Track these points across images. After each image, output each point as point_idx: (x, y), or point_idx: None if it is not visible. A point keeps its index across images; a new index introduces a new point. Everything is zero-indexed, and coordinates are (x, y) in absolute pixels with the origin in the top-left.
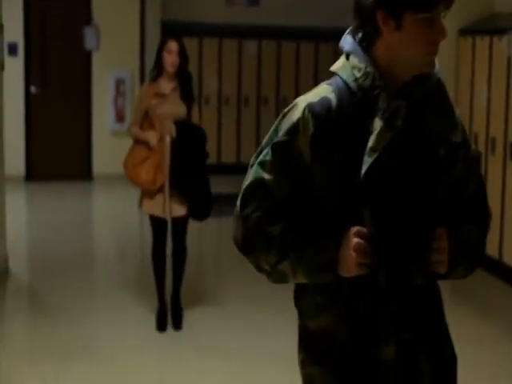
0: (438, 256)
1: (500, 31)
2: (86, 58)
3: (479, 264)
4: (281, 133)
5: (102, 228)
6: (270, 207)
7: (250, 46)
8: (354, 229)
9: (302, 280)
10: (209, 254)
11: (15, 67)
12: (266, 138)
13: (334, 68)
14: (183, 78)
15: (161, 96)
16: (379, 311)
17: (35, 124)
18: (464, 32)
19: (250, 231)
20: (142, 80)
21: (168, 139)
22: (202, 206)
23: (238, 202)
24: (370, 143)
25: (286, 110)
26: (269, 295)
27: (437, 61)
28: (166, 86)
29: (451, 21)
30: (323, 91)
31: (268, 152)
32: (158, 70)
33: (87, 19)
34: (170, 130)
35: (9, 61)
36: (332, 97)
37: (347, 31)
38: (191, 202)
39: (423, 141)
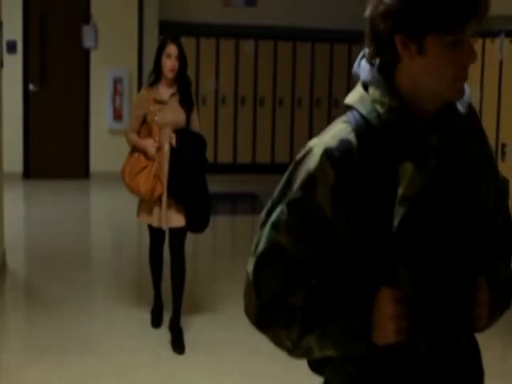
0: (480, 310)
1: (492, 34)
2: (85, 57)
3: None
4: (295, 186)
5: (99, 225)
6: (289, 274)
7: (247, 46)
8: (388, 291)
9: (330, 353)
10: (204, 252)
11: (14, 65)
12: (278, 190)
13: (349, 101)
14: (182, 83)
15: (159, 102)
16: (420, 377)
17: (33, 122)
18: None
19: (267, 303)
20: (139, 79)
21: (167, 148)
22: (199, 218)
23: (251, 270)
24: (401, 190)
25: (298, 157)
26: None
27: (466, 86)
28: (165, 92)
29: None
30: (341, 132)
31: (282, 211)
32: (156, 74)
33: (86, 18)
34: (170, 139)
35: (7, 59)
36: (352, 138)
37: (360, 56)
38: (188, 213)
39: (460, 181)
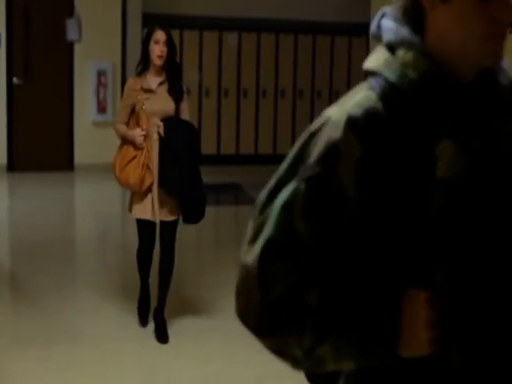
0: None
1: None
2: (69, 50)
3: None
4: (312, 160)
5: (84, 216)
6: (306, 266)
7: (230, 39)
8: (423, 292)
9: (346, 366)
10: (206, 243)
11: None
12: (285, 168)
13: (371, 65)
14: (171, 70)
15: (147, 91)
16: None
17: (17, 115)
18: None
19: (275, 302)
20: (123, 71)
21: (155, 137)
22: (193, 208)
23: (253, 261)
24: (440, 172)
25: (312, 128)
26: None
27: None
28: (153, 80)
29: None
30: (366, 99)
31: (297, 189)
32: (144, 63)
33: (69, 11)
34: (157, 128)
35: None
36: (379, 107)
37: (379, 15)
38: (181, 203)
39: (504, 165)
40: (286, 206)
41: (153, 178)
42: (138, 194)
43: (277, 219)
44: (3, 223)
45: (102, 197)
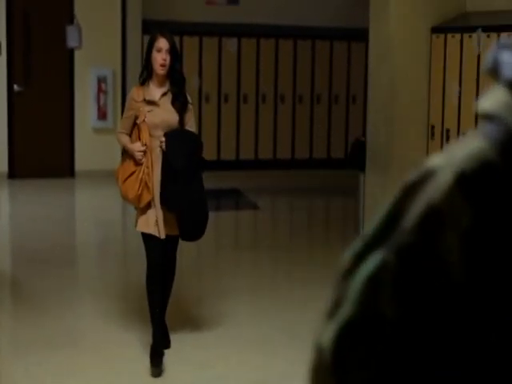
0: None
1: (470, 29)
2: (69, 56)
3: None
4: (405, 226)
5: (84, 223)
6: (391, 360)
7: (230, 44)
8: None
9: None
10: (187, 247)
11: None
12: (376, 224)
13: (487, 107)
14: (175, 80)
15: (150, 103)
16: None
17: (18, 122)
18: (436, 30)
19: None
20: (123, 78)
21: (158, 151)
22: (192, 226)
23: (329, 341)
24: None
25: (411, 179)
26: (270, 285)
27: None
28: (156, 91)
29: (424, 19)
30: (480, 151)
31: (385, 261)
32: (146, 72)
33: (70, 18)
34: (160, 143)
35: None
36: (498, 162)
37: (498, 46)
38: (180, 221)
39: None
40: (371, 281)
41: (152, 194)
42: (140, 208)
43: (359, 296)
44: (4, 229)
45: (102, 203)
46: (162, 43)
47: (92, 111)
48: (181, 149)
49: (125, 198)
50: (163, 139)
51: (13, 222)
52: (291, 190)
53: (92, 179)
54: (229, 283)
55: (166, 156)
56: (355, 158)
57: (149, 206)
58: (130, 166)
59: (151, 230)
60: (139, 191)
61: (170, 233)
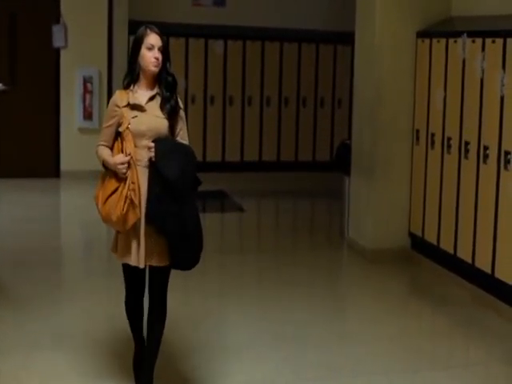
0: None
1: (455, 34)
2: (55, 56)
3: None
4: None
5: (69, 224)
6: None
7: (216, 46)
8: None
9: None
10: None
11: None
12: None
13: None
14: (166, 83)
15: (135, 108)
16: None
17: (3, 121)
18: (422, 34)
19: None
20: (109, 78)
21: (145, 163)
22: (187, 252)
23: None
24: None
25: None
26: (255, 287)
27: None
28: (143, 94)
29: (410, 24)
30: None
31: None
32: (132, 74)
33: (56, 18)
34: (149, 150)
35: None
36: None
37: None
38: (172, 246)
39: None
40: None
41: (139, 213)
42: (122, 234)
43: None
44: None
45: (88, 203)
46: (154, 40)
47: (78, 111)
48: (174, 158)
49: (107, 220)
50: (152, 145)
51: None
52: (277, 193)
53: (77, 179)
54: (214, 285)
55: (156, 166)
56: (340, 160)
57: (133, 228)
58: (111, 183)
59: (131, 260)
60: (124, 210)
61: (156, 263)
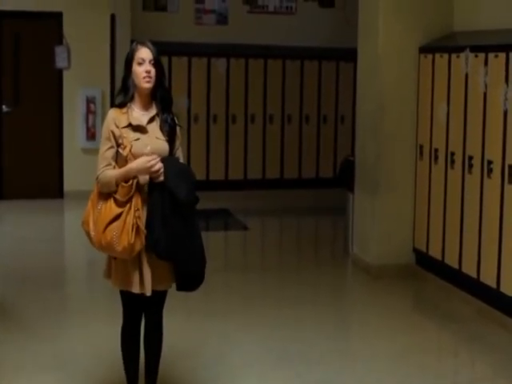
0: None
1: (458, 49)
2: (58, 77)
3: None
4: None
5: (73, 244)
6: None
7: (219, 65)
8: None
9: None
10: None
11: None
12: None
13: None
14: (163, 100)
15: (136, 129)
16: None
17: (7, 142)
18: (424, 50)
19: None
20: (112, 98)
21: (146, 186)
22: (191, 274)
23: None
24: None
25: None
26: (259, 305)
27: None
28: (142, 115)
29: (412, 39)
30: None
31: None
32: (126, 92)
33: (58, 38)
34: (155, 171)
35: None
36: None
37: None
38: (179, 270)
39: None
40: None
41: (142, 241)
42: (119, 260)
43: None
44: None
45: None
46: (144, 53)
47: (81, 132)
48: (183, 179)
49: (107, 249)
50: (159, 165)
51: (1, 243)
52: (280, 210)
53: (81, 200)
54: (218, 303)
55: (167, 187)
56: (344, 177)
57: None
58: (110, 208)
59: (134, 288)
60: (133, 240)
61: (157, 288)
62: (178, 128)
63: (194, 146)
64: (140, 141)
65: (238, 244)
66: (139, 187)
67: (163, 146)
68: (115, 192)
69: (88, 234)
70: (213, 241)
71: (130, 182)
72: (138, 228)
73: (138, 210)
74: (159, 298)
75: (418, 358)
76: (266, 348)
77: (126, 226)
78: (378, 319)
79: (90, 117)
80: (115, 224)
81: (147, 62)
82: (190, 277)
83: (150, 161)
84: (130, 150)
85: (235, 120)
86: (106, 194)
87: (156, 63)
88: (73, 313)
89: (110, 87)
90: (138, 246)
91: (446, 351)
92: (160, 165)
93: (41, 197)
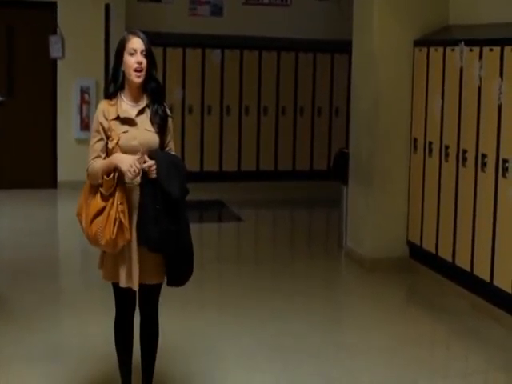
0: None
1: (453, 42)
2: (52, 67)
3: None
4: None
5: (67, 234)
6: None
7: (214, 56)
8: None
9: None
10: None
11: None
12: None
13: None
14: (153, 91)
15: (125, 122)
16: None
17: (0, 132)
18: (419, 43)
19: None
20: (106, 89)
21: (137, 180)
22: (181, 268)
23: None
24: None
25: None
26: (253, 297)
27: None
28: (131, 107)
29: (407, 32)
30: None
31: None
32: (116, 82)
33: (53, 29)
34: (148, 167)
35: None
36: None
37: None
38: (169, 264)
39: None
40: None
41: (129, 236)
42: (108, 252)
43: None
44: None
45: None
46: (136, 44)
47: (75, 122)
48: (175, 174)
49: (94, 242)
50: (150, 162)
51: None
52: (274, 202)
53: (74, 190)
54: (211, 295)
55: (158, 182)
56: (338, 169)
57: (121, 250)
58: (95, 201)
59: (122, 283)
60: (114, 235)
61: (148, 281)
62: (170, 120)
63: (188, 137)
64: (128, 133)
65: (231, 236)
66: (123, 181)
67: (153, 138)
68: (101, 185)
69: (81, 224)
70: (206, 232)
71: (111, 175)
72: (120, 223)
73: (121, 203)
74: (151, 292)
75: (411, 351)
76: (258, 340)
77: (109, 220)
78: (372, 312)
79: (84, 107)
80: (100, 218)
81: (139, 52)
82: (179, 272)
83: (132, 165)
84: (117, 143)
85: (229, 111)
86: (95, 188)
87: (148, 54)
88: (67, 303)
89: (104, 77)
90: (121, 241)
91: (440, 344)
92: (151, 162)
93: (34, 187)
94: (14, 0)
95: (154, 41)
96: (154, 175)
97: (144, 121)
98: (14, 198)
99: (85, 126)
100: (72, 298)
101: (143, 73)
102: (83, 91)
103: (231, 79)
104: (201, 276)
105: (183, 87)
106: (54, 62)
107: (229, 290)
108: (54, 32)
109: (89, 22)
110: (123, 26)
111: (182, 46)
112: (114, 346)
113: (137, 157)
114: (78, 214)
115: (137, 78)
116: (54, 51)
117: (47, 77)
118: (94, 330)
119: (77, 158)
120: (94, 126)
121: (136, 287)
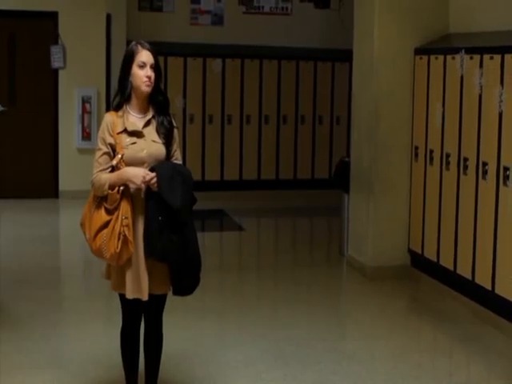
0: None
1: (453, 50)
2: (53, 77)
3: None
4: None
5: (68, 243)
6: None
7: (215, 65)
8: None
9: None
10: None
11: None
12: None
13: None
14: (159, 103)
15: (132, 134)
16: None
17: (2, 141)
18: (420, 51)
19: None
20: (107, 98)
21: (143, 193)
22: (188, 278)
23: None
24: None
25: None
26: (255, 305)
27: None
28: (137, 118)
29: (408, 40)
30: None
31: None
32: (123, 93)
33: (54, 38)
34: (148, 180)
35: None
36: None
37: None
38: (175, 275)
39: None
40: None
41: (134, 248)
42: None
43: None
44: None
45: None
46: (146, 57)
47: (76, 131)
48: (177, 185)
49: (98, 255)
50: (151, 175)
51: None
52: (276, 211)
53: (76, 200)
54: (213, 303)
55: (160, 194)
56: (339, 178)
57: (127, 262)
58: (99, 214)
59: (130, 294)
60: (118, 249)
61: (156, 292)
62: (175, 130)
63: (189, 146)
64: (136, 145)
65: (233, 244)
66: (129, 195)
67: (160, 149)
68: (106, 200)
69: (85, 235)
70: (208, 241)
71: (116, 189)
72: (125, 237)
73: (126, 218)
74: (158, 302)
75: (412, 359)
76: (261, 348)
77: (114, 234)
78: (374, 320)
79: (86, 117)
80: (105, 231)
81: (148, 66)
82: (185, 282)
83: (144, 176)
84: (121, 160)
85: (231, 120)
86: (99, 200)
87: (156, 67)
88: (69, 312)
89: (105, 87)
90: (125, 255)
91: (441, 352)
92: (152, 175)
93: (36, 196)
94: (16, 9)
95: (156, 50)
96: (155, 188)
97: (151, 132)
98: (15, 208)
99: (86, 135)
100: (74, 306)
101: (152, 84)
102: (84, 101)
103: (232, 88)
104: (203, 284)
105: (184, 96)
106: (55, 72)
107: (231, 298)
108: (56, 42)
109: (90, 32)
110: (124, 36)
111: (183, 56)
112: (118, 355)
113: (146, 169)
114: (82, 225)
115: (147, 87)
116: (56, 61)
117: (49, 86)
118: (95, 338)
119: (78, 167)
120: (99, 138)
121: (145, 298)
